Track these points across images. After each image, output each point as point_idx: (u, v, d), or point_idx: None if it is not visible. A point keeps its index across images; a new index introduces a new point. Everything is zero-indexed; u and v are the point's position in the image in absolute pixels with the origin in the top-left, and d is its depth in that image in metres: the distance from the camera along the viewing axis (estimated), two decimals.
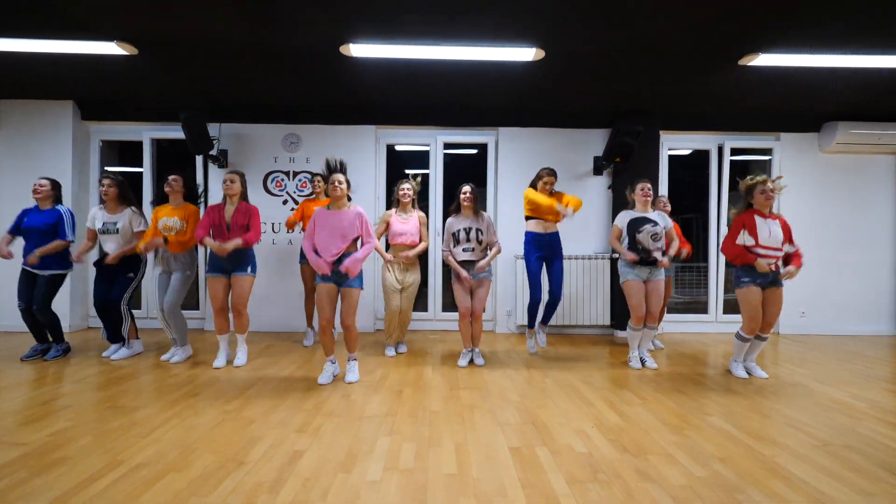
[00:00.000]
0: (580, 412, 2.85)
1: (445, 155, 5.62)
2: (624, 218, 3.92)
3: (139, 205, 4.22)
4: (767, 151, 5.74)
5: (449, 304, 5.52)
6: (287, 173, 5.40)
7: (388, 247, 4.28)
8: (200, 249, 4.45)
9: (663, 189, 5.55)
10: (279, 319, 5.29)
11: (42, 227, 3.90)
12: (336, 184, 3.33)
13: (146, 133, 5.46)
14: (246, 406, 2.86)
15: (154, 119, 5.36)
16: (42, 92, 5.02)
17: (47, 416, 2.66)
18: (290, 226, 4.57)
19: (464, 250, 3.90)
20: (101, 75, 4.46)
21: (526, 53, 3.81)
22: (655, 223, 3.84)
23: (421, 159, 5.71)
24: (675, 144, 5.68)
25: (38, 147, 5.16)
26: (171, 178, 3.86)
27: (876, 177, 5.62)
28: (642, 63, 4.05)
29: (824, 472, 2.12)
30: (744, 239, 3.55)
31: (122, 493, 1.85)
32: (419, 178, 4.28)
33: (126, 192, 4.02)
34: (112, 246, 3.94)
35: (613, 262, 5.30)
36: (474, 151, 5.80)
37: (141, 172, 5.47)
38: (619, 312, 5.19)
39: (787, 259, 3.62)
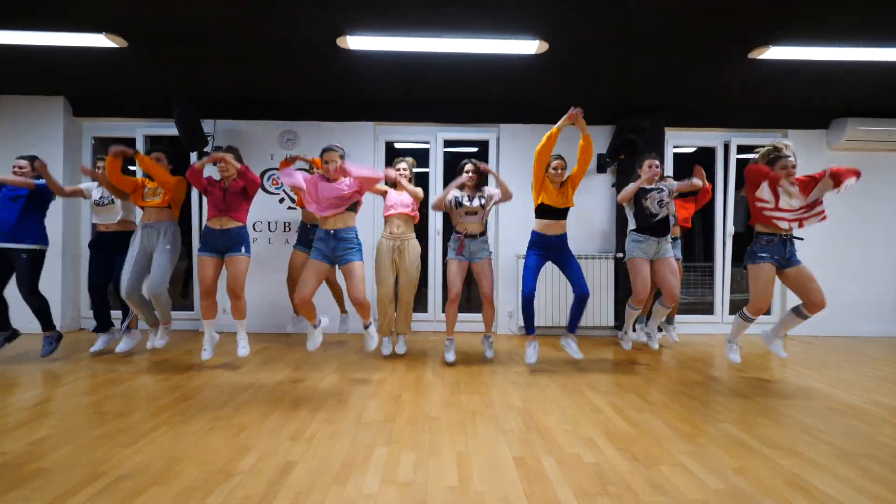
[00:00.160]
0: (587, 418, 2.73)
1: (446, 153, 5.50)
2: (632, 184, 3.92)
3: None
4: None
5: None
6: None
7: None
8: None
9: None
10: (278, 320, 5.16)
11: (10, 192, 3.84)
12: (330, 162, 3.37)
13: (139, 129, 5.34)
14: (237, 412, 2.74)
15: (147, 115, 5.24)
16: (31, 87, 4.90)
17: (28, 422, 2.54)
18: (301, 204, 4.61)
19: (466, 213, 3.84)
20: (91, 70, 4.33)
21: (529, 46, 3.70)
22: (661, 189, 3.86)
23: (421, 157, 5.58)
24: (680, 142, 5.57)
25: (28, 144, 5.00)
26: (153, 154, 3.82)
27: (886, 174, 5.50)
28: (649, 56, 3.93)
29: (847, 484, 2.00)
30: (763, 193, 3.27)
31: None
32: (413, 161, 4.26)
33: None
34: (107, 216, 3.99)
35: (618, 261, 5.18)
36: (475, 149, 5.68)
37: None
38: (625, 313, 5.06)
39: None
